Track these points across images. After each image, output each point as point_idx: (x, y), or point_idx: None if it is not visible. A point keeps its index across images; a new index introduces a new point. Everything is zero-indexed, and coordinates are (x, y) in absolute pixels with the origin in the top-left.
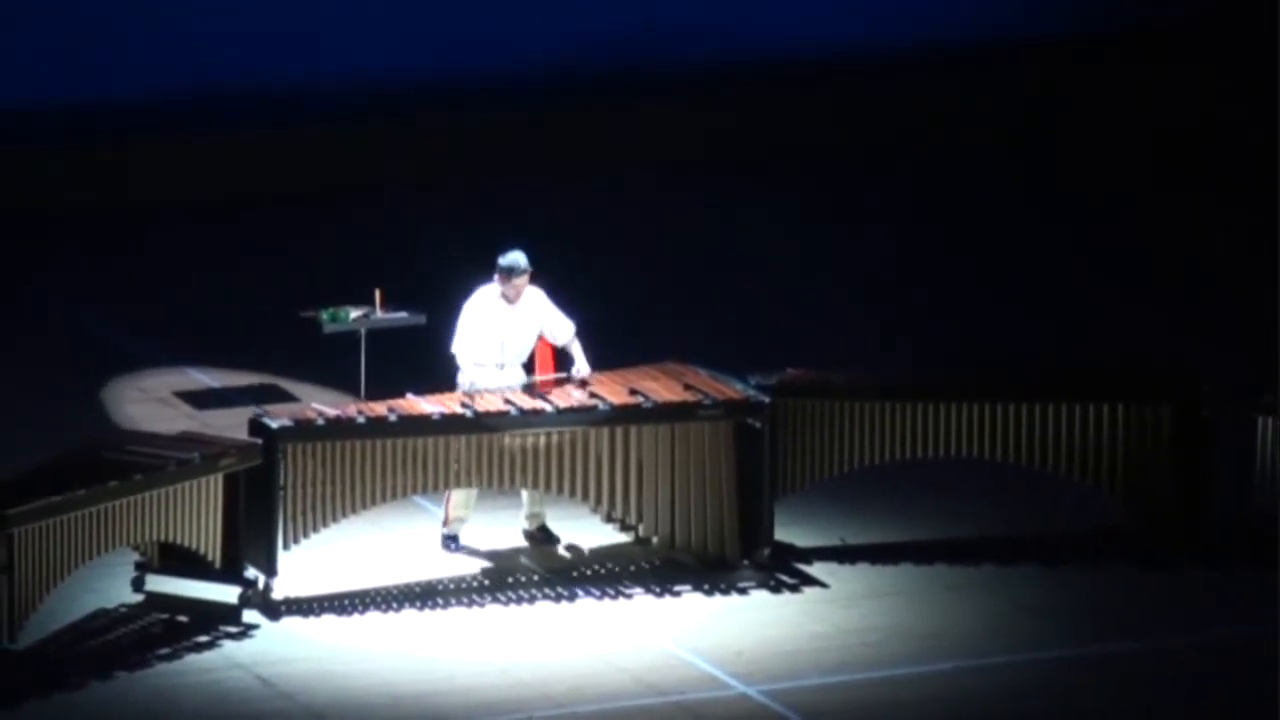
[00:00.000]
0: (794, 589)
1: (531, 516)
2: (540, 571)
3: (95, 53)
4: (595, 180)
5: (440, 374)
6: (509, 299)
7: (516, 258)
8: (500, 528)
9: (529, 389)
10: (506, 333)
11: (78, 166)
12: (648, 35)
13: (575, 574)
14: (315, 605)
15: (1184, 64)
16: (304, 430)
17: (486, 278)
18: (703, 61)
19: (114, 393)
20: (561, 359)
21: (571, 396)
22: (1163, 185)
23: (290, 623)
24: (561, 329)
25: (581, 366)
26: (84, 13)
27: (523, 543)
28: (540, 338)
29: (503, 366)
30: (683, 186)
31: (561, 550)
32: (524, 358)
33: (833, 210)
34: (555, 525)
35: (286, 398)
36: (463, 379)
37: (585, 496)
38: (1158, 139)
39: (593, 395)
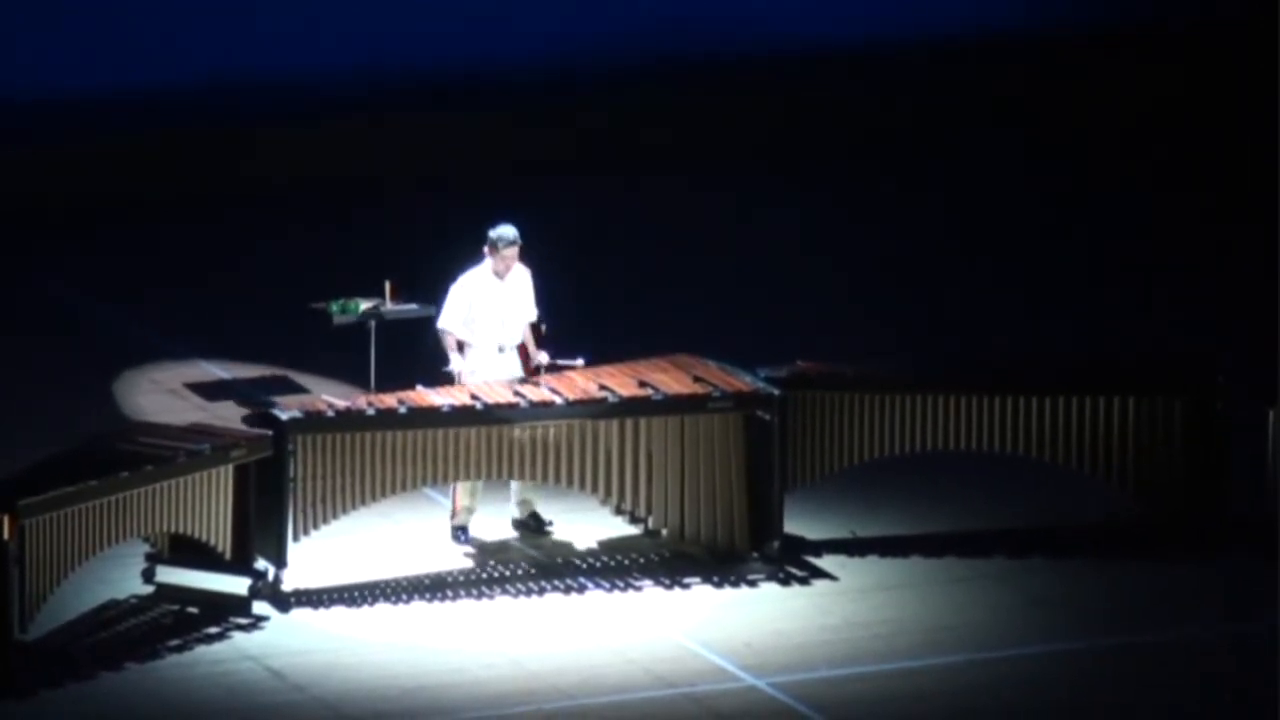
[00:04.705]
0: (804, 581)
1: (522, 503)
2: (532, 563)
3: (105, 45)
4: (605, 175)
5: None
6: (500, 275)
7: (505, 229)
8: (509, 519)
9: (535, 380)
10: (504, 311)
11: (88, 160)
12: (655, 30)
13: (566, 564)
14: (325, 597)
15: (1187, 61)
16: (314, 422)
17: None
18: (711, 56)
19: (125, 384)
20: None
21: (581, 388)
22: (1170, 182)
23: (300, 614)
24: (531, 312)
25: (536, 354)
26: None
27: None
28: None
29: (502, 349)
30: (693, 182)
31: (553, 538)
32: (519, 338)
33: (844, 204)
34: (565, 518)
35: (296, 389)
36: (457, 362)
37: (595, 489)
38: (1163, 134)
39: (602, 387)
